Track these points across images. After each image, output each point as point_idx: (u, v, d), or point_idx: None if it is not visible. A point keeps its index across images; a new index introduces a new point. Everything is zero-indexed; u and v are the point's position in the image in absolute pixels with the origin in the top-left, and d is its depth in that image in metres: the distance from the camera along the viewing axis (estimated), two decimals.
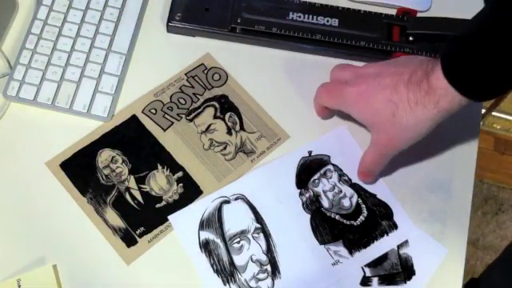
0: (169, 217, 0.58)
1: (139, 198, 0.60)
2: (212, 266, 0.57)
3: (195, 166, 0.62)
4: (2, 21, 0.68)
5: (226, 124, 0.64)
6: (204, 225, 0.58)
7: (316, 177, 0.61)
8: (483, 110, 1.47)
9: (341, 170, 0.62)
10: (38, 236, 0.58)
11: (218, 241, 0.57)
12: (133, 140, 0.63)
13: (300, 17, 0.67)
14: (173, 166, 0.62)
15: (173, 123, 0.64)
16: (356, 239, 0.59)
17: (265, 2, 0.68)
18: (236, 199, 0.60)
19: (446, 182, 0.62)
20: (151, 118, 0.64)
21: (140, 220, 0.59)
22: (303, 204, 0.60)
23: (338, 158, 0.63)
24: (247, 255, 0.57)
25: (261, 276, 0.57)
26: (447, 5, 0.71)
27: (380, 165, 0.59)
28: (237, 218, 0.59)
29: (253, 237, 0.58)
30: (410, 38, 0.66)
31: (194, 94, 0.66)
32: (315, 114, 0.64)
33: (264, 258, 0.57)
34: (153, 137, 0.63)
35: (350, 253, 0.58)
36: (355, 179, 0.62)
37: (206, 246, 0.57)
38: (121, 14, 0.69)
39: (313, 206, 0.60)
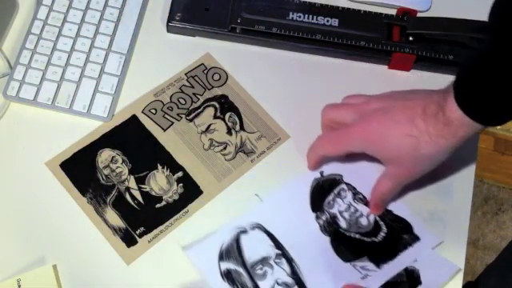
0: (186, 251, 0.57)
1: (139, 198, 0.60)
2: None
3: (195, 166, 0.62)
4: (2, 21, 0.68)
5: (226, 124, 0.64)
6: (224, 256, 0.57)
7: (330, 198, 0.61)
8: None
9: (354, 189, 0.61)
10: (38, 236, 0.58)
11: (241, 269, 0.56)
12: (133, 140, 0.63)
13: (300, 17, 0.67)
14: (173, 166, 0.62)
15: (173, 123, 0.64)
16: (381, 253, 0.58)
17: (265, 2, 0.68)
18: (253, 228, 0.59)
19: (446, 182, 0.62)
20: (151, 118, 0.64)
21: (140, 220, 0.59)
22: (321, 227, 0.59)
23: (351, 176, 0.62)
24: (272, 279, 0.56)
25: None
26: (447, 5, 0.71)
27: (395, 193, 0.59)
28: (256, 247, 0.58)
29: (275, 262, 0.57)
30: (410, 38, 0.66)
31: (194, 94, 0.66)
32: (315, 113, 0.64)
33: (290, 280, 0.56)
34: (153, 137, 0.63)
35: (378, 266, 0.57)
36: (369, 197, 0.61)
37: (228, 276, 0.56)
38: (121, 14, 0.69)
39: (331, 228, 0.59)
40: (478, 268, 1.36)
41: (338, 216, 0.60)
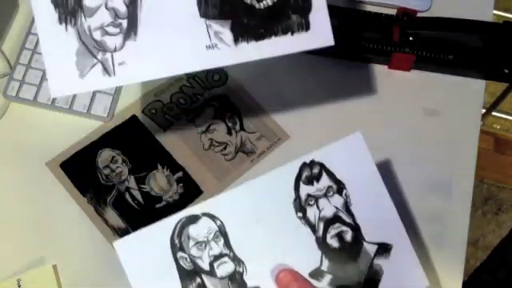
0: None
1: (139, 198, 0.60)
2: None
3: (195, 166, 0.62)
4: (2, 21, 0.68)
5: (226, 124, 0.64)
6: None
7: None
8: (483, 110, 1.47)
9: None
10: (38, 236, 0.58)
11: None
12: (133, 140, 0.63)
13: None
14: (173, 166, 0.62)
15: (173, 123, 0.64)
16: (250, 25, 0.45)
17: None
18: None
19: (446, 182, 0.62)
20: (151, 118, 0.64)
21: (140, 220, 0.59)
22: None
23: None
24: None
25: (111, 30, 0.44)
26: (447, 5, 0.71)
27: None
28: None
29: None
30: (410, 38, 0.66)
31: (193, 94, 0.66)
32: (315, 113, 0.64)
33: (123, 8, 0.44)
34: (153, 137, 0.63)
35: (235, 40, 0.45)
36: None
37: None
38: None
39: None
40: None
41: None
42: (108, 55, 0.43)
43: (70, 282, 0.56)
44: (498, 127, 1.53)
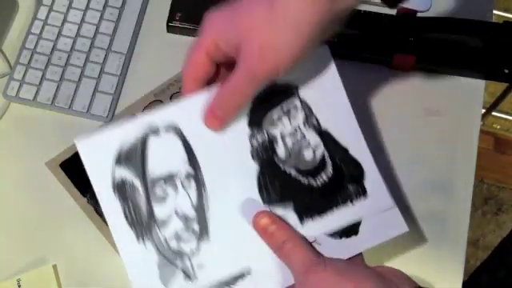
0: (75, 140, 0.44)
1: None
2: (125, 214, 0.44)
3: None
4: (2, 21, 0.68)
5: None
6: (122, 159, 0.44)
7: (276, 114, 0.47)
8: (483, 110, 1.47)
9: (309, 109, 0.48)
10: (37, 236, 0.58)
11: (138, 183, 0.44)
12: None
13: None
14: None
15: None
16: (311, 203, 0.46)
17: None
18: (167, 130, 0.45)
19: (446, 182, 0.62)
20: None
21: None
22: (252, 150, 0.46)
23: (309, 90, 0.48)
24: (171, 207, 0.45)
25: (185, 236, 0.45)
26: (447, 5, 0.71)
27: (242, 98, 0.43)
28: (165, 157, 0.45)
29: (182, 184, 0.45)
30: (410, 39, 0.66)
31: None
32: None
33: (192, 213, 0.45)
34: None
35: (301, 220, 0.46)
36: (326, 124, 0.47)
37: (120, 188, 0.44)
38: (121, 14, 0.69)
39: (264, 155, 0.46)
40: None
41: (279, 140, 0.47)
42: (187, 261, 0.45)
43: (69, 282, 0.56)
44: (498, 127, 1.53)
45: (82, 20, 0.67)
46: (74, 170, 0.61)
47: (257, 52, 0.39)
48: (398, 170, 0.62)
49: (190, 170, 0.45)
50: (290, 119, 0.47)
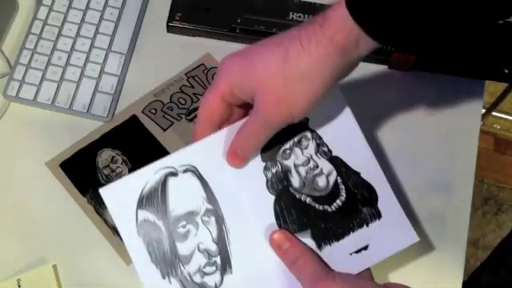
0: (100, 190, 0.47)
1: None
2: (150, 253, 0.46)
3: None
4: (2, 21, 0.68)
5: None
6: (144, 202, 0.47)
7: (288, 146, 0.49)
8: (483, 110, 1.47)
9: (320, 139, 0.49)
10: (37, 236, 0.58)
11: (160, 223, 0.47)
12: (133, 140, 0.63)
13: (300, 17, 0.67)
14: None
15: (173, 123, 0.64)
16: (328, 229, 0.48)
17: (265, 2, 0.68)
18: (185, 171, 0.48)
19: (445, 182, 0.62)
20: (151, 118, 0.64)
21: None
22: (268, 182, 0.48)
23: (319, 120, 0.49)
24: (194, 243, 0.47)
25: (208, 269, 0.47)
26: None
27: (259, 141, 0.46)
28: (185, 196, 0.47)
29: (202, 220, 0.47)
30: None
31: (193, 94, 0.66)
32: None
33: (213, 247, 0.47)
34: (153, 137, 0.63)
35: (319, 246, 0.48)
36: (337, 151, 0.49)
37: (144, 229, 0.46)
38: (121, 14, 0.69)
39: (279, 185, 0.48)
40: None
41: (293, 171, 0.49)
42: None
43: (69, 282, 0.56)
44: (498, 127, 1.53)
45: (82, 20, 0.67)
46: (74, 170, 0.61)
47: (271, 105, 0.42)
48: (398, 170, 0.62)
49: (209, 206, 0.47)
50: (301, 150, 0.49)
